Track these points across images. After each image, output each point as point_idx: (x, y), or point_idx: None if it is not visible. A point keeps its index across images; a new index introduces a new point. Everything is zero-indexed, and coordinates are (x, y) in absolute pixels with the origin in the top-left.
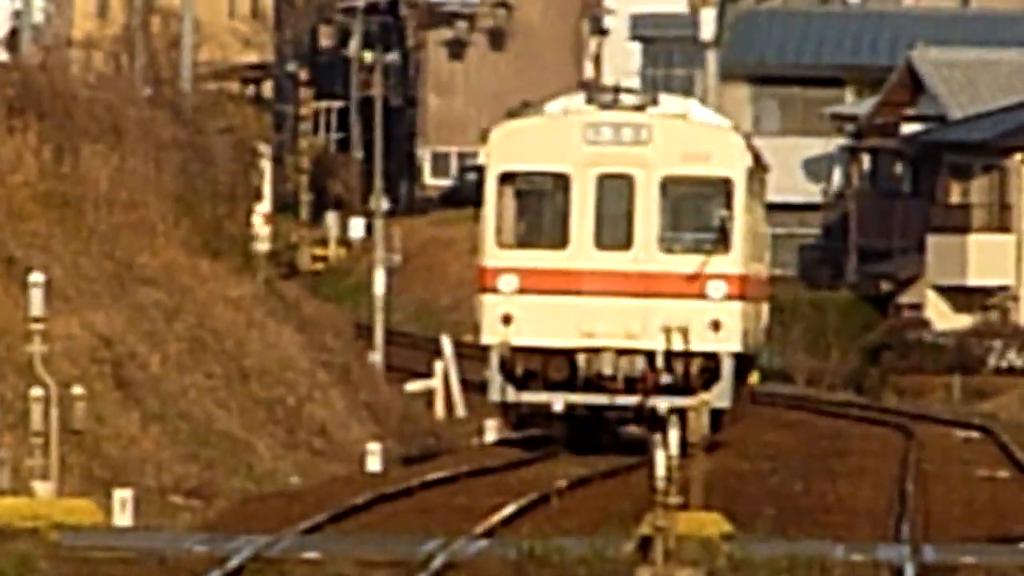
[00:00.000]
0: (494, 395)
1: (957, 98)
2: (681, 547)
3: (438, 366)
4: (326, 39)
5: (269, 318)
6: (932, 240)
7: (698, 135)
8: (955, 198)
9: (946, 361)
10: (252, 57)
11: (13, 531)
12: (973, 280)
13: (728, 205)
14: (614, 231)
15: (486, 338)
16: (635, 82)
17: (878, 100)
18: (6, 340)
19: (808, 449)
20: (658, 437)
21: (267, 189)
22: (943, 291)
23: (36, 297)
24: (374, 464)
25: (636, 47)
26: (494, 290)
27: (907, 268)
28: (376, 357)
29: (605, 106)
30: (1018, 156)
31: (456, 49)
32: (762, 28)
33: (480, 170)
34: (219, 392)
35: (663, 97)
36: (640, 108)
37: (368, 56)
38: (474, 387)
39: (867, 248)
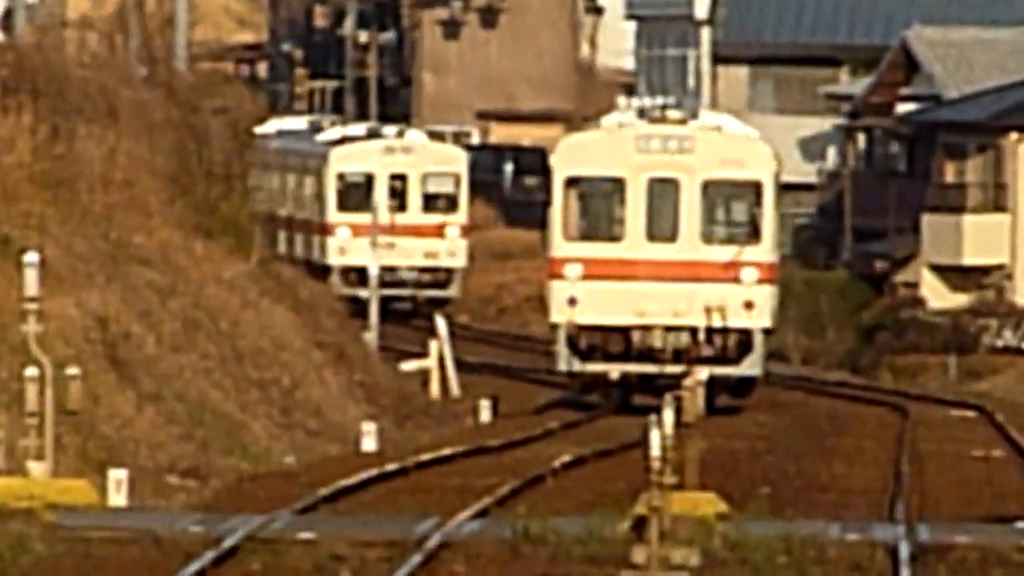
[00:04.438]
0: (561, 365)
1: (952, 77)
2: (676, 527)
3: (433, 346)
4: (321, 19)
5: (264, 298)
6: (927, 219)
7: (733, 144)
8: (950, 177)
9: (942, 340)
10: (247, 37)
11: (8, 511)
12: (969, 259)
13: (759, 203)
14: (662, 226)
15: (555, 317)
16: (629, 62)
17: (873, 80)
18: (1, 320)
19: (803, 429)
20: (653, 417)
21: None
22: (939, 270)
23: (31, 277)
24: (369, 444)
25: (630, 27)
26: (561, 276)
27: (902, 247)
28: (371, 337)
29: (654, 120)
30: (1013, 135)
31: (451, 28)
32: (757, 7)
33: (549, 175)
34: (214, 372)
35: (702, 112)
36: (683, 122)
37: (363, 36)
38: (468, 367)
39: (862, 227)
